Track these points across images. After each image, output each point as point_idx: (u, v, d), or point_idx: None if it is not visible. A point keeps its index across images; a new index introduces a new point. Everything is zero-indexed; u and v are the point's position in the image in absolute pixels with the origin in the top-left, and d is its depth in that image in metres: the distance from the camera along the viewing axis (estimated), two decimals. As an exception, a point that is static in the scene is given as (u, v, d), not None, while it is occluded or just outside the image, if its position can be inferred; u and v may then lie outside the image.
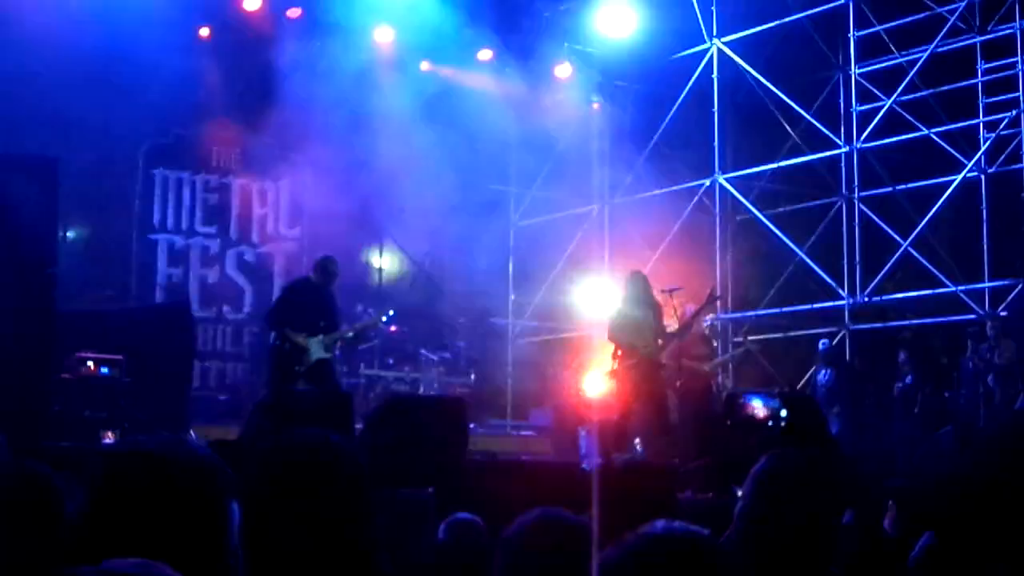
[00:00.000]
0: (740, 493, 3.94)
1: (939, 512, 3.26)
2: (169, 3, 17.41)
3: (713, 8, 19.70)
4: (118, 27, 17.21)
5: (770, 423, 12.30)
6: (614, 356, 14.19)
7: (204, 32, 18.74)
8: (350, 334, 14.08)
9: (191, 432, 13.08)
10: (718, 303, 18.66)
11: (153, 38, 17.22)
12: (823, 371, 17.56)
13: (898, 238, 17.66)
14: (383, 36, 19.37)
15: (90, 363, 13.43)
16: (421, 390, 17.77)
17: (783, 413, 11.95)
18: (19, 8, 16.50)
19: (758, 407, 13.03)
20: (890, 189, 18.68)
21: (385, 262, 21.45)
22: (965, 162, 17.27)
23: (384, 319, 15.19)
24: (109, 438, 11.85)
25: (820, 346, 17.96)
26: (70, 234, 18.40)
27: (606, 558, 2.38)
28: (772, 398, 12.30)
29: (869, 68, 18.39)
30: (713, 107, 19.69)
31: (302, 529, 2.95)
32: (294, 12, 18.49)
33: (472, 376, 19.26)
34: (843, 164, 18.62)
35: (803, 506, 3.67)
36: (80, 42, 16.92)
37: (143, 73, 17.48)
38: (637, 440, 14.28)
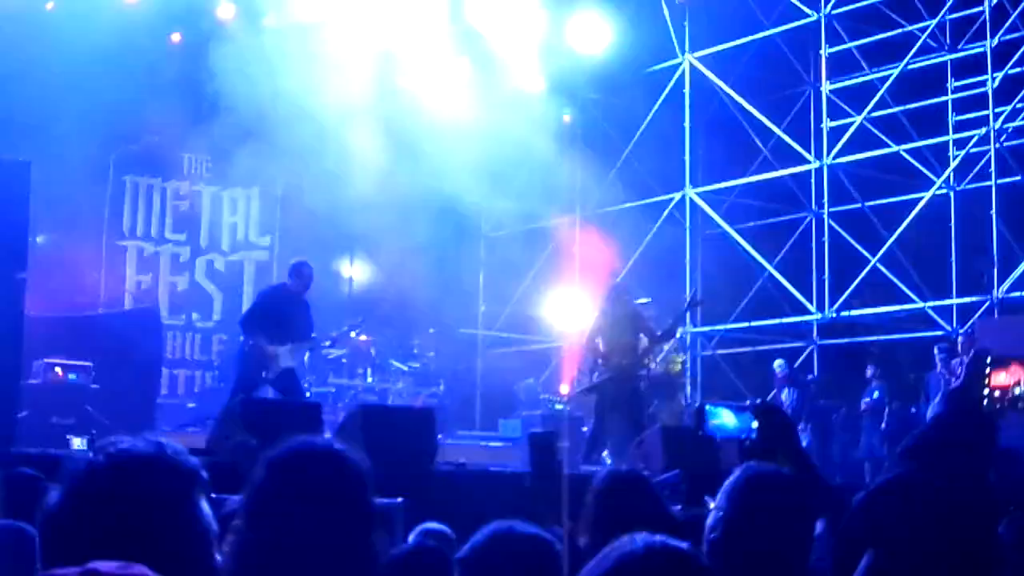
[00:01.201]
0: (712, 505, 3.95)
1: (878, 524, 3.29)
2: (142, 9, 17.39)
3: (685, 23, 19.81)
4: (90, 32, 17.18)
5: (740, 435, 12.36)
6: (590, 368, 14.27)
7: (176, 38, 18.71)
8: (326, 343, 14.03)
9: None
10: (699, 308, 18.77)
11: (126, 44, 17.18)
12: (786, 390, 17.49)
13: (867, 254, 17.75)
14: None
15: (58, 369, 13.38)
16: (390, 400, 17.73)
17: (754, 425, 12.01)
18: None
19: (728, 419, 13.09)
20: (859, 205, 18.75)
21: (356, 272, 21.42)
22: (934, 179, 17.37)
23: (351, 330, 15.08)
24: (76, 444, 11.77)
25: (777, 369, 17.76)
26: (39, 239, 18.31)
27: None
28: (742, 410, 12.34)
29: (840, 84, 18.47)
30: (684, 121, 19.76)
31: (309, 537, 2.95)
32: (270, 20, 18.46)
33: (441, 386, 19.23)
34: (813, 180, 18.69)
35: (778, 518, 3.69)
36: (52, 47, 16.89)
37: (114, 78, 17.42)
38: (606, 452, 14.30)
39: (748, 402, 15.87)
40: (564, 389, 18.42)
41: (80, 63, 17.39)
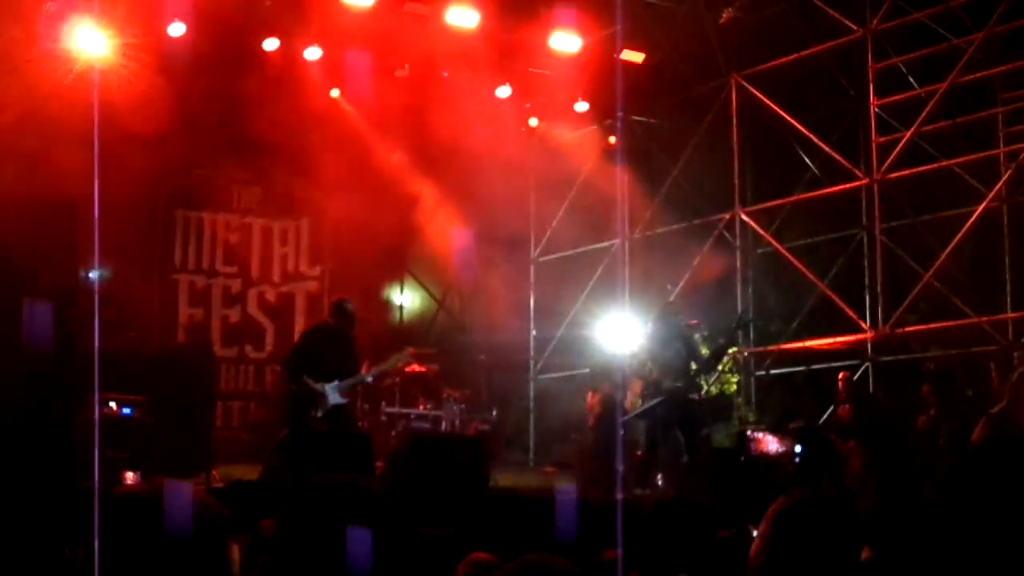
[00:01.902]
0: (755, 533, 3.90)
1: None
2: (191, 44, 17.53)
3: (731, 41, 19.75)
4: (146, 66, 17.38)
5: (784, 460, 12.28)
6: (640, 392, 14.22)
7: (222, 71, 18.85)
8: (368, 379, 14.01)
9: (212, 472, 13.09)
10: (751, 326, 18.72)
11: (175, 79, 17.35)
12: (847, 406, 17.33)
13: (919, 269, 17.61)
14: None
15: (112, 404, 13.45)
16: (443, 427, 17.72)
17: (797, 449, 11.91)
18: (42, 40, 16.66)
19: (772, 444, 12.99)
20: (911, 221, 18.59)
21: (406, 299, 21.48)
22: (986, 192, 17.19)
23: (400, 363, 14.99)
24: (130, 479, 11.84)
25: (840, 384, 17.63)
26: (91, 275, 18.46)
27: None
28: (786, 435, 12.28)
29: (889, 100, 18.32)
30: (732, 140, 19.69)
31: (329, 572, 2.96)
32: (312, 54, 18.57)
33: (494, 412, 19.22)
34: (864, 196, 18.55)
35: (820, 546, 3.64)
36: (101, 84, 17.06)
37: (164, 114, 17.58)
38: (659, 476, 14.24)
39: (791, 426, 15.82)
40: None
41: (129, 99, 17.59)
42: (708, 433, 15.60)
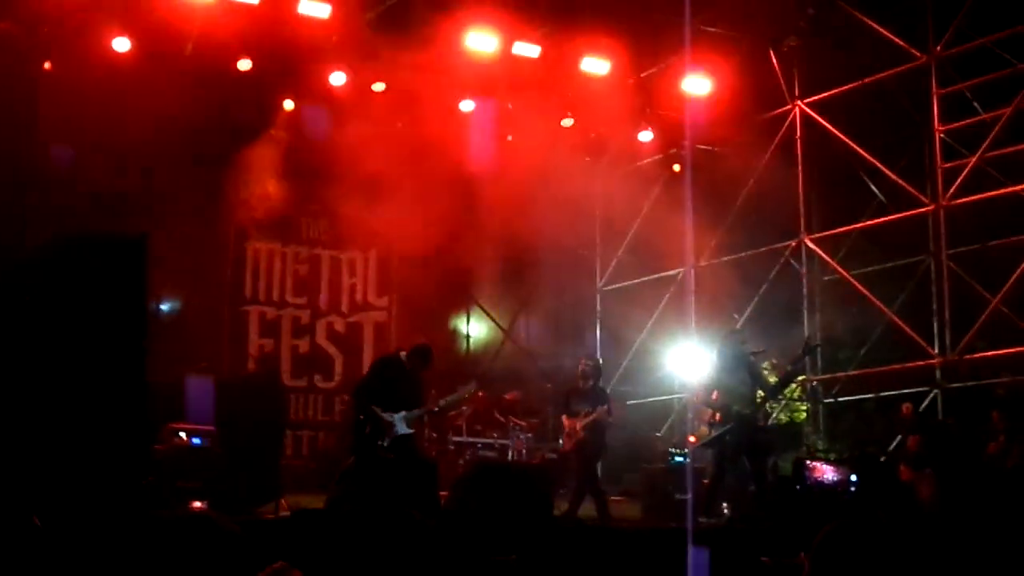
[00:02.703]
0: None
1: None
2: (255, 79, 17.82)
3: (794, 69, 19.77)
4: (209, 104, 17.68)
5: (841, 488, 12.23)
6: (709, 420, 14.23)
7: (289, 106, 19.13)
8: (435, 410, 14.11)
9: (281, 501, 13.23)
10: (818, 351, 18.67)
11: (242, 113, 17.64)
12: (913, 436, 17.19)
13: (987, 295, 17.50)
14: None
15: (182, 434, 13.63)
16: (510, 456, 17.80)
17: (853, 478, 11.84)
18: (118, 84, 16.98)
19: (828, 472, 12.94)
20: (978, 246, 18.46)
21: (473, 329, 21.60)
22: (1053, 216, 17.07)
23: (467, 395, 15.05)
24: (197, 506, 12.02)
25: (904, 413, 17.53)
26: (164, 307, 18.78)
27: None
28: (843, 463, 12.22)
29: (954, 125, 18.23)
30: (797, 168, 19.68)
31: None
32: (379, 86, 18.78)
33: (561, 441, 19.26)
34: (930, 222, 18.45)
35: (865, 571, 3.68)
36: (173, 120, 17.39)
37: (230, 147, 17.89)
38: (725, 505, 14.24)
39: (847, 455, 15.73)
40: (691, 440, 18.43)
41: (199, 134, 17.94)
42: (775, 461, 15.58)
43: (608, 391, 16.33)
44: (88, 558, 6.27)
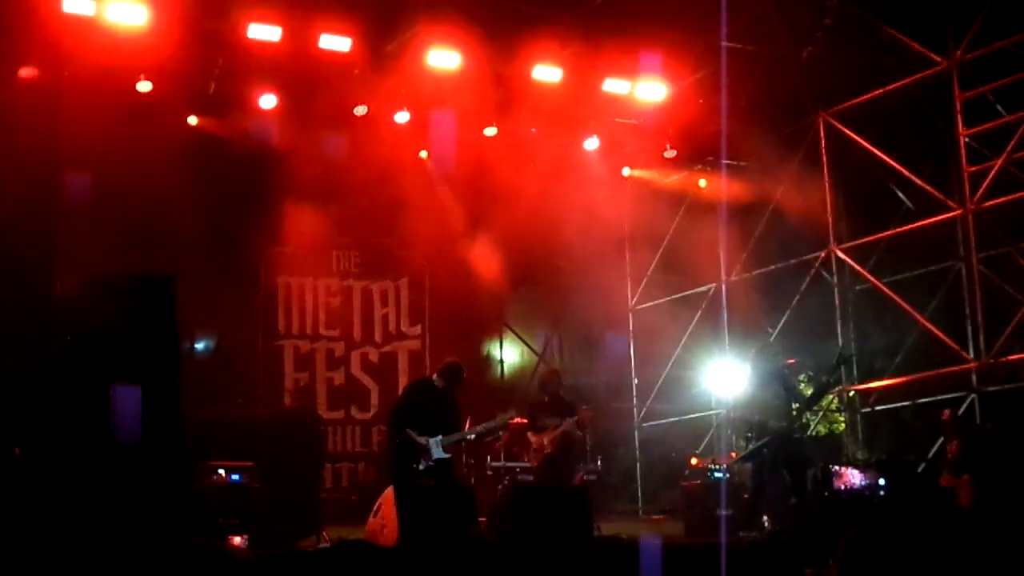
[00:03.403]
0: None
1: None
2: (280, 114, 17.97)
3: (816, 80, 19.77)
4: (233, 141, 17.84)
5: (869, 493, 12.19)
6: (746, 435, 14.23)
7: (316, 138, 19.26)
8: (471, 436, 14.15)
9: (323, 534, 13.28)
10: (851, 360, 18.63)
11: (266, 149, 17.78)
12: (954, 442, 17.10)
13: (1020, 297, 17.44)
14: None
15: (221, 471, 13.70)
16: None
17: (881, 482, 11.81)
18: (143, 123, 17.14)
19: (856, 478, 12.90)
20: (1008, 248, 18.41)
21: (507, 354, 21.64)
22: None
23: (503, 423, 14.90)
24: (237, 542, 12.07)
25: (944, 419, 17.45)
26: (198, 345, 18.90)
27: None
28: (870, 468, 12.18)
29: (978, 129, 18.19)
30: (824, 178, 19.67)
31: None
32: (402, 116, 18.88)
33: (599, 462, 19.26)
34: (959, 226, 18.40)
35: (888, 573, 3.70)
36: (197, 158, 17.56)
37: (257, 183, 18.04)
38: (765, 518, 14.20)
39: (875, 460, 15.66)
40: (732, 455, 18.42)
41: (222, 169, 18.10)
42: (815, 472, 15.51)
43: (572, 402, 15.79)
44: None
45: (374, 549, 10.02)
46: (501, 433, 17.61)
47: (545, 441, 14.91)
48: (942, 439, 17.13)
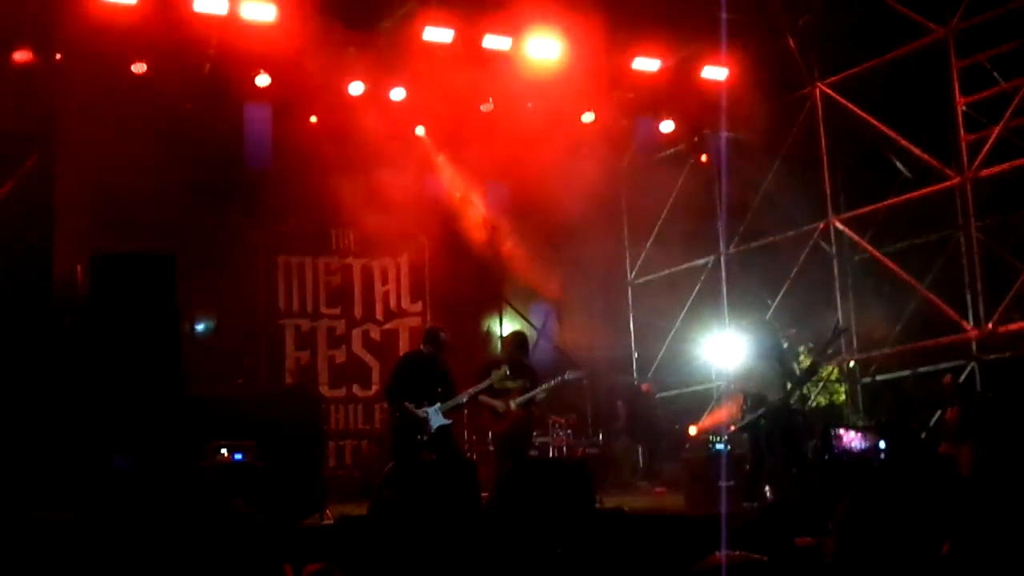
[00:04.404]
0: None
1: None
2: (275, 94, 17.93)
3: (812, 51, 19.74)
4: (230, 121, 17.81)
5: (870, 456, 12.17)
6: (741, 407, 14.27)
7: (313, 120, 19.23)
8: (465, 399, 14.14)
9: (327, 512, 13.31)
10: (844, 335, 18.62)
11: (263, 128, 17.75)
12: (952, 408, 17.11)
13: (1020, 264, 17.43)
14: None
15: (224, 450, 13.72)
16: (551, 453, 17.84)
17: (882, 445, 11.80)
18: (140, 105, 17.13)
19: (856, 439, 12.89)
20: (1007, 216, 18.37)
21: (506, 329, 21.64)
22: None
23: (496, 380, 14.75)
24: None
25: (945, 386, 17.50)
26: (199, 326, 18.91)
27: None
28: (871, 431, 12.16)
29: (975, 97, 18.15)
30: (821, 149, 19.66)
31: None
32: (398, 93, 18.86)
33: (600, 436, 19.32)
34: (958, 195, 18.38)
35: (885, 538, 3.70)
36: (194, 138, 17.54)
37: (259, 161, 18.03)
38: (767, 488, 14.24)
39: (874, 423, 15.66)
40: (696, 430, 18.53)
41: (218, 149, 18.08)
42: (814, 443, 15.54)
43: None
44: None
45: (377, 524, 10.05)
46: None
47: (512, 404, 14.45)
48: (942, 408, 17.15)
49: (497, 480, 13.08)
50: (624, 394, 20.99)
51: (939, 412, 17.54)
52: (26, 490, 8.56)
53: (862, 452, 12.89)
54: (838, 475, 11.71)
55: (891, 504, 3.85)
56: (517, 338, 15.38)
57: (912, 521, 3.83)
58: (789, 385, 13.88)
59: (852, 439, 13.24)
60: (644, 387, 20.67)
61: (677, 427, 19.99)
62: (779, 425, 13.64)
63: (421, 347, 14.18)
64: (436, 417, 13.34)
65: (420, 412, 13.23)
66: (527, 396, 13.97)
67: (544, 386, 14.49)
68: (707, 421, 18.98)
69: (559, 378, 14.88)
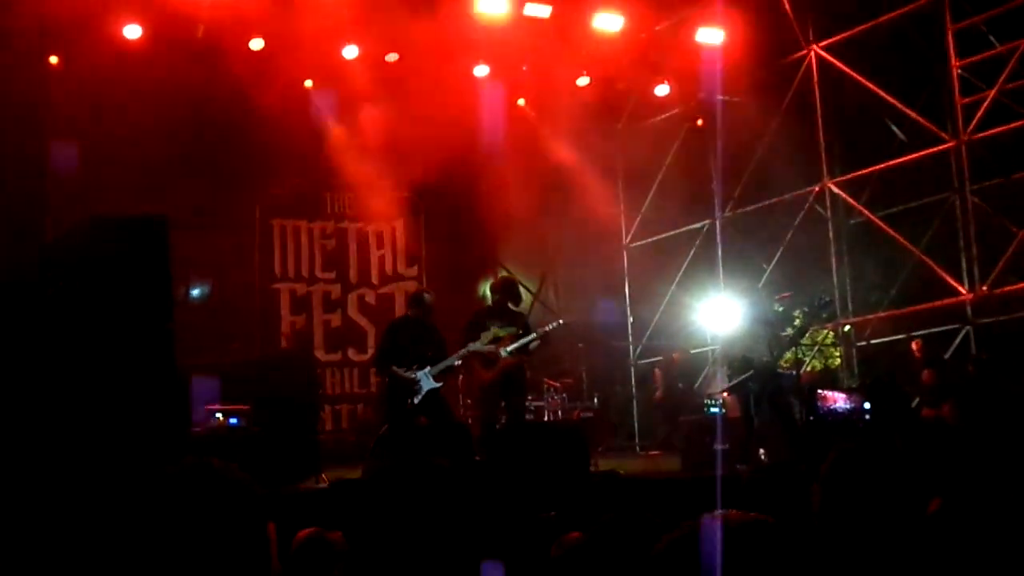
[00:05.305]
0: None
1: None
2: (270, 58, 17.88)
3: (807, 14, 19.68)
4: (224, 86, 17.76)
5: (855, 416, 12.24)
6: (730, 371, 14.35)
7: (308, 83, 19.18)
8: (458, 361, 14.09)
9: (323, 476, 13.34)
10: (829, 306, 18.63)
11: (257, 93, 17.71)
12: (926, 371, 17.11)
13: (1015, 228, 17.44)
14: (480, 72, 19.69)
15: (219, 415, 13.77)
16: (546, 417, 17.87)
17: (867, 405, 11.87)
18: (134, 69, 17.07)
19: (840, 400, 12.97)
20: (1002, 180, 18.37)
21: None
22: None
23: (489, 340, 14.60)
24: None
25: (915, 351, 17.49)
26: (194, 291, 18.91)
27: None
28: (855, 390, 12.23)
29: (970, 60, 18.12)
30: (816, 113, 19.63)
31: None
32: (392, 57, 18.83)
33: (595, 400, 19.34)
34: (953, 159, 18.36)
35: (869, 496, 3.71)
36: (188, 103, 17.49)
37: (252, 125, 17.99)
38: (762, 451, 14.29)
39: (858, 384, 15.71)
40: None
41: (213, 114, 18.04)
42: (800, 406, 15.58)
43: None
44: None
45: (371, 487, 10.08)
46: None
47: (503, 352, 14.04)
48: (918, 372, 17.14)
49: (484, 436, 13.13)
50: (662, 363, 20.88)
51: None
52: (15, 455, 8.55)
53: (847, 413, 12.96)
54: (823, 436, 11.76)
55: (877, 462, 3.86)
56: (505, 283, 15.04)
57: (895, 478, 3.84)
58: (778, 349, 13.96)
59: (837, 400, 13.30)
60: (675, 356, 20.57)
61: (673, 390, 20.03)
62: (767, 388, 13.72)
63: (407, 312, 14.16)
64: (427, 381, 13.34)
65: (409, 376, 13.25)
66: (519, 343, 13.89)
67: (538, 332, 14.34)
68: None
69: (553, 324, 14.80)
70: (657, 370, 20.77)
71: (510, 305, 14.46)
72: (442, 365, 13.54)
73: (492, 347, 14.01)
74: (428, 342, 13.61)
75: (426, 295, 14.01)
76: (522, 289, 18.45)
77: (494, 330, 14.02)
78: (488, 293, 15.19)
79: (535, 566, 8.63)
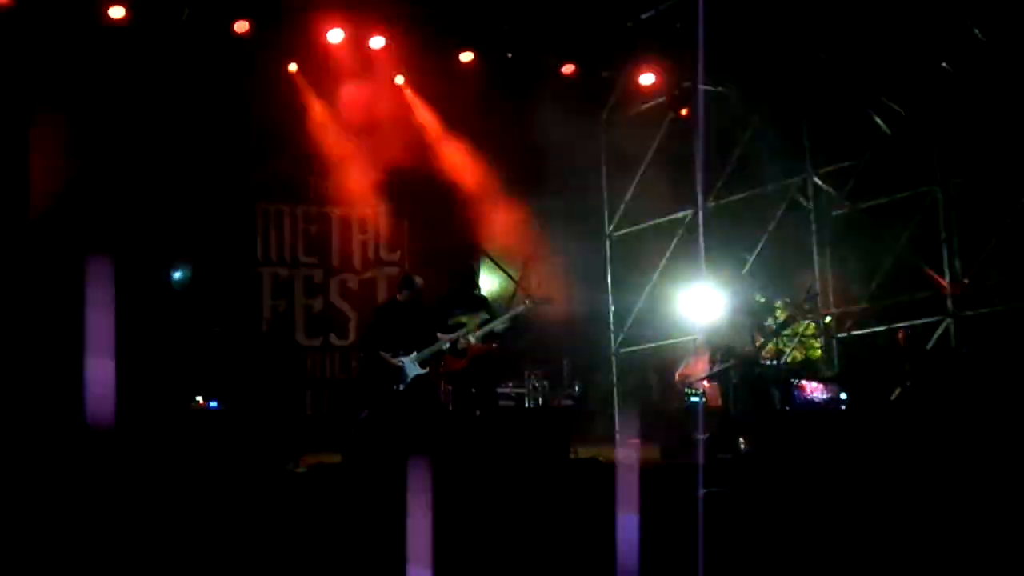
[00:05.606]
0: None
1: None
2: (254, 40, 17.84)
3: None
4: (208, 68, 17.72)
5: (831, 407, 12.30)
6: (712, 360, 14.38)
7: (292, 67, 19.12)
8: (445, 346, 14.07)
9: (302, 459, 13.34)
10: (818, 299, 18.69)
11: (242, 76, 17.67)
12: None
13: (997, 221, 17.49)
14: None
15: (199, 398, 13.75)
16: (527, 405, 17.87)
17: (843, 396, 11.90)
18: (111, 56, 17.03)
19: (817, 390, 13.03)
20: (987, 173, 18.37)
21: (484, 280, 21.66)
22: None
23: (475, 324, 14.56)
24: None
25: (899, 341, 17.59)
26: (175, 274, 18.84)
27: None
28: (832, 380, 12.25)
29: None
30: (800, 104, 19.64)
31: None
32: (377, 42, 18.78)
33: (576, 388, 19.34)
34: (936, 150, 18.38)
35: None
36: (172, 86, 17.45)
37: (236, 109, 17.94)
38: (741, 440, 14.33)
39: (833, 374, 15.76)
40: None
41: (203, 95, 17.99)
42: (780, 395, 15.63)
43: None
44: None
45: (350, 470, 10.08)
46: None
47: (472, 339, 14.11)
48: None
49: (475, 429, 13.13)
50: (657, 363, 20.90)
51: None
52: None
53: (824, 403, 13.01)
54: (800, 426, 11.82)
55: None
56: (462, 271, 15.10)
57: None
58: (761, 340, 14.01)
59: (814, 390, 13.35)
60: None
61: (656, 379, 20.06)
62: (746, 377, 13.77)
63: (396, 296, 14.12)
64: (412, 367, 13.31)
65: (395, 362, 13.21)
66: (486, 328, 13.84)
67: (505, 316, 14.32)
68: (685, 370, 19.02)
69: (521, 306, 14.77)
70: (652, 372, 20.82)
71: (473, 292, 14.54)
72: (427, 351, 13.51)
73: (460, 334, 14.00)
74: (416, 327, 13.56)
75: (417, 279, 13.98)
76: (486, 273, 18.51)
77: (459, 317, 14.02)
78: (451, 278, 15.15)
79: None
